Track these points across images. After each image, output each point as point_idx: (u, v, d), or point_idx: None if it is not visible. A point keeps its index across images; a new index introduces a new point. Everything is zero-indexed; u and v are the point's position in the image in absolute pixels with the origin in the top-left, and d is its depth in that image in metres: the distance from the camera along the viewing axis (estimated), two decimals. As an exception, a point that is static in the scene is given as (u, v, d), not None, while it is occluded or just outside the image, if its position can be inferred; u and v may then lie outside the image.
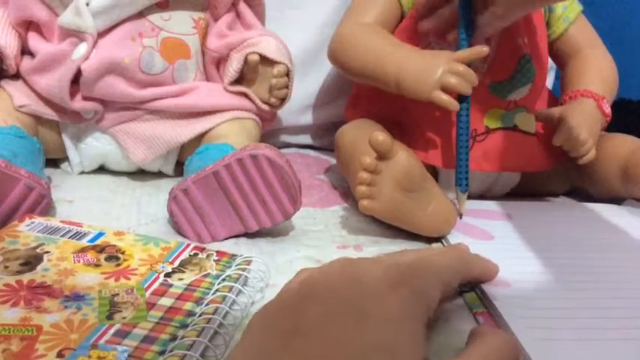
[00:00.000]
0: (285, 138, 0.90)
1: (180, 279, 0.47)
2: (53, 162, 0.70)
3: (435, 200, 0.59)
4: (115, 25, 0.65)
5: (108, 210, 0.62)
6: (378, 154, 0.56)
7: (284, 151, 0.88)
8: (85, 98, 0.65)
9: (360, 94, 0.78)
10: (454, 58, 0.63)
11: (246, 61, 0.69)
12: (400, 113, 0.71)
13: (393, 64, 0.65)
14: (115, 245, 0.50)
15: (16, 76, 0.68)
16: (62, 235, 0.51)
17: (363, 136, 0.60)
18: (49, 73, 0.64)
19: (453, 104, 0.62)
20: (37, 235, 0.50)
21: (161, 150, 0.67)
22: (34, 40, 0.66)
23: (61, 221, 0.53)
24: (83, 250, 0.49)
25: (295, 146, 0.91)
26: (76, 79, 0.64)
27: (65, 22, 0.63)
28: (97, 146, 0.68)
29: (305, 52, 0.85)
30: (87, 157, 0.69)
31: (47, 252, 0.48)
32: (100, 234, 0.52)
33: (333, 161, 0.81)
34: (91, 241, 0.51)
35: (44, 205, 0.56)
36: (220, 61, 0.73)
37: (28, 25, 0.67)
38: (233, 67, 0.70)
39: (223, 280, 0.48)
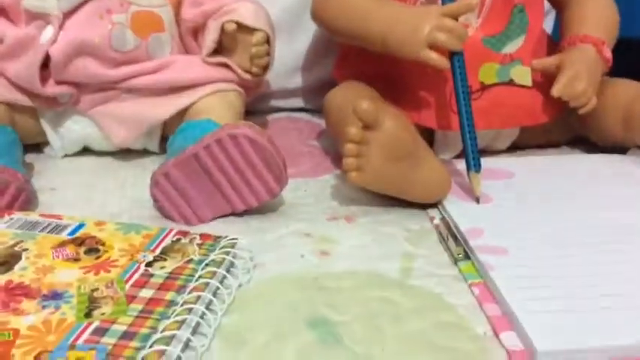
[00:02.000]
0: (275, 102, 0.87)
1: (162, 267, 0.46)
2: (36, 146, 0.68)
3: (427, 165, 0.57)
4: (80, 5, 0.61)
5: (91, 196, 0.60)
6: (364, 124, 0.53)
7: (275, 116, 0.86)
8: (58, 82, 0.62)
9: (349, 52, 0.74)
10: (442, 12, 0.59)
11: (223, 30, 0.66)
12: (391, 72, 0.68)
13: (378, 23, 0.62)
14: (94, 237, 0.49)
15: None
16: (41, 230, 0.50)
17: (350, 101, 0.57)
18: (18, 58, 0.61)
19: (442, 62, 0.59)
20: (15, 232, 0.49)
21: (142, 129, 0.65)
22: (0, 25, 0.63)
23: (40, 215, 0.52)
24: (62, 244, 0.48)
25: (287, 110, 0.88)
26: (47, 63, 0.61)
27: (29, 4, 0.60)
28: (76, 129, 0.66)
29: (289, 13, 0.81)
30: (68, 140, 0.67)
31: (26, 249, 0.47)
32: (81, 225, 0.51)
33: (326, 124, 0.78)
34: (71, 233, 0.49)
35: (24, 198, 0.54)
36: (198, 32, 0.69)
37: (-5, 10, 0.64)
38: (210, 37, 0.66)
39: (207, 265, 0.46)
